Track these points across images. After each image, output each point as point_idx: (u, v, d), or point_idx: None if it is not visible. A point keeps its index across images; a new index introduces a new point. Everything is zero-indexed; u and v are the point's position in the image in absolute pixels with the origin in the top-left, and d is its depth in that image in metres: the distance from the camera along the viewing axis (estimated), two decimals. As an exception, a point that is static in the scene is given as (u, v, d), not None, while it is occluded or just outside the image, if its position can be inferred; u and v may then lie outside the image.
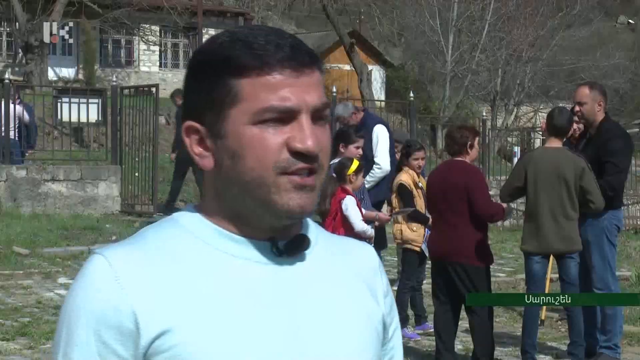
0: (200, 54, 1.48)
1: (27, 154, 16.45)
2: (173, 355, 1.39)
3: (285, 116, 1.41)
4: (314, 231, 1.55)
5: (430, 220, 7.68)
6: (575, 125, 7.76)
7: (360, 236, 6.74)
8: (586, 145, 7.41)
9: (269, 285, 1.45)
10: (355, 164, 7.21)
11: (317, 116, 1.44)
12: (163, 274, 1.42)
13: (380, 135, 8.80)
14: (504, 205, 7.25)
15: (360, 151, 7.73)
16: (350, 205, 7.11)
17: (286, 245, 1.47)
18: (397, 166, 8.75)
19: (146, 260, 1.43)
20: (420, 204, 8.21)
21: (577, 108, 7.36)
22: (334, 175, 7.10)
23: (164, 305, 1.40)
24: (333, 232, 1.66)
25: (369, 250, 1.64)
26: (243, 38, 1.43)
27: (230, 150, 1.43)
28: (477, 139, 7.12)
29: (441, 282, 7.01)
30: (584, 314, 7.50)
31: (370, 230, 7.21)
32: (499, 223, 15.57)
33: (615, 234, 7.53)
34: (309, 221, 1.55)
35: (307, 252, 1.50)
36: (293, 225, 1.49)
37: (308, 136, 1.41)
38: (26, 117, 15.96)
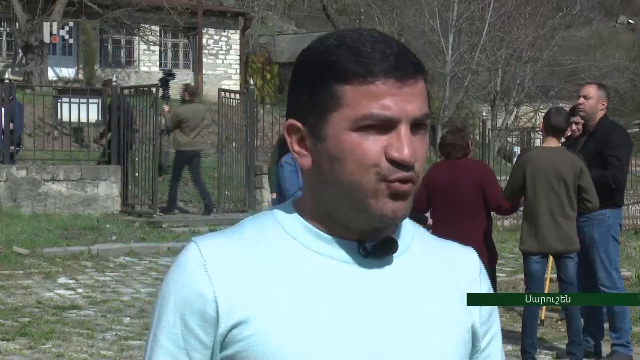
0: (307, 55, 1.50)
1: (16, 155, 16.28)
2: (247, 345, 1.43)
3: (385, 125, 1.44)
4: (410, 235, 1.56)
5: (430, 220, 7.68)
6: (574, 126, 7.84)
7: None
8: (587, 141, 7.51)
9: (351, 285, 1.47)
10: None
11: (417, 126, 1.47)
12: (250, 266, 1.47)
13: None
14: None
15: None
16: None
17: (374, 247, 1.49)
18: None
19: (236, 250, 1.48)
20: (419, 203, 8.24)
21: (581, 101, 7.53)
22: None
23: (246, 296, 1.44)
24: None
25: (471, 256, 1.63)
26: (350, 43, 1.46)
27: (330, 154, 1.46)
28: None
29: None
30: (589, 313, 7.55)
31: None
32: (499, 223, 15.60)
33: (619, 231, 7.65)
34: (408, 225, 1.57)
35: (395, 255, 1.51)
36: (385, 229, 1.50)
37: (405, 146, 1.43)
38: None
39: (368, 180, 1.44)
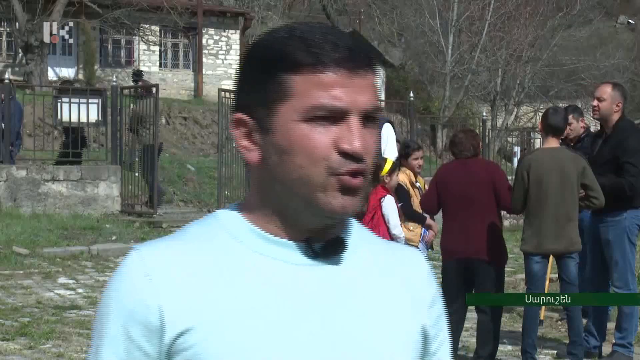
0: (256, 47, 1.47)
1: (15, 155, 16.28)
2: (193, 354, 1.38)
3: (335, 116, 1.40)
4: (358, 235, 1.52)
5: (428, 219, 7.71)
6: (567, 128, 7.80)
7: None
8: (603, 144, 7.41)
9: (299, 287, 1.43)
10: (389, 164, 7.29)
11: (367, 118, 1.43)
12: (193, 272, 1.41)
13: (390, 134, 8.98)
14: None
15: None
16: (390, 206, 7.18)
17: (322, 247, 1.45)
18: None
19: (180, 257, 1.43)
20: (417, 203, 8.24)
21: (595, 103, 7.41)
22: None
23: (190, 303, 1.39)
24: (371, 230, 1.62)
25: (418, 257, 1.60)
26: (300, 34, 1.42)
27: (278, 147, 1.41)
28: None
29: (460, 282, 7.01)
30: (595, 313, 7.56)
31: (401, 237, 7.24)
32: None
33: (636, 233, 7.53)
34: (354, 225, 1.53)
35: (344, 255, 1.48)
36: (333, 227, 1.47)
37: (356, 138, 1.39)
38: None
39: (318, 174, 1.40)
